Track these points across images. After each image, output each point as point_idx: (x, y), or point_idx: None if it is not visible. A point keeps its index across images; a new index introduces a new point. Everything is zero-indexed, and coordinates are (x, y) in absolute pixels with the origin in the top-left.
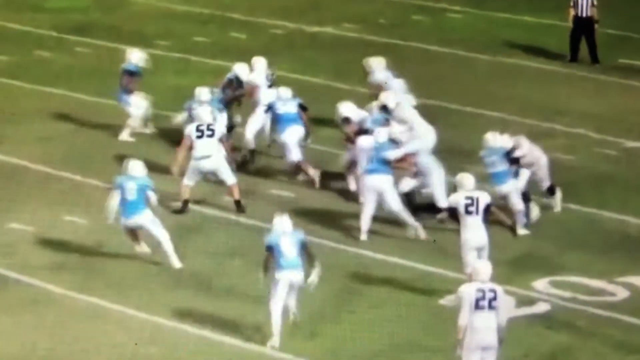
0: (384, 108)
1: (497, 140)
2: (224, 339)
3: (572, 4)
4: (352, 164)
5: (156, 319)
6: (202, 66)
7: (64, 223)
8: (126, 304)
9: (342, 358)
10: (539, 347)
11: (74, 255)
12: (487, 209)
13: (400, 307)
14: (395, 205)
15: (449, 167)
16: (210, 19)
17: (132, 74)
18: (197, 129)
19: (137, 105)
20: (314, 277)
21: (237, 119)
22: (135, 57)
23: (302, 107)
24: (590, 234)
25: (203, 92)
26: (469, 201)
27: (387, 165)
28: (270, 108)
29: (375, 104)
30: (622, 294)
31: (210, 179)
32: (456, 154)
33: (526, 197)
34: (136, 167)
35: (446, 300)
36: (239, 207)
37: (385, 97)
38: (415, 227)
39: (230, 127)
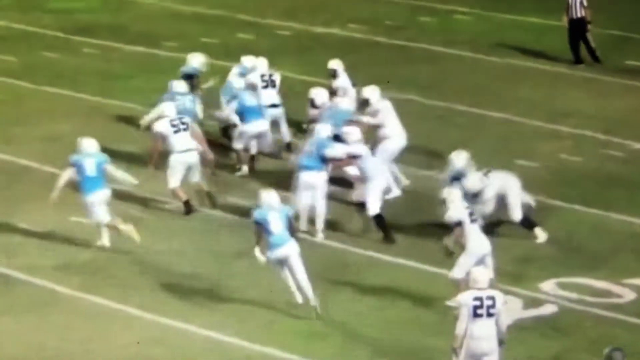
0: (365, 102)
1: (460, 160)
2: (230, 340)
3: (565, 7)
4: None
5: (162, 320)
6: (210, 67)
7: (70, 223)
8: (132, 304)
9: (348, 359)
10: (546, 349)
11: (80, 256)
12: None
13: (406, 309)
14: (321, 204)
15: None
16: (217, 20)
17: (190, 76)
18: (172, 125)
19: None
20: None
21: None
22: (196, 60)
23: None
24: (596, 236)
25: (179, 85)
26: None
27: (324, 162)
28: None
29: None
30: (628, 295)
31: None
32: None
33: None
34: (90, 144)
35: (453, 302)
36: (188, 206)
37: (370, 91)
38: (317, 231)
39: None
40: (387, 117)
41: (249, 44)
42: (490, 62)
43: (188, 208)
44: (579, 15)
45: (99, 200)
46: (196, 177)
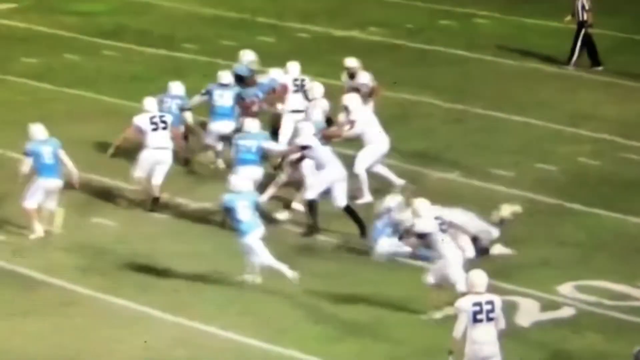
0: (345, 108)
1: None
2: (250, 342)
3: (572, 13)
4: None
5: (182, 321)
6: (230, 69)
7: (92, 225)
8: (152, 305)
9: None
10: (564, 352)
11: (102, 258)
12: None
13: (422, 312)
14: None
15: (474, 170)
16: (238, 22)
17: (241, 78)
18: (151, 122)
19: None
20: None
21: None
22: (247, 59)
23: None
24: (615, 239)
25: (176, 87)
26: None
27: (261, 157)
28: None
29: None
30: None
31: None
32: (481, 157)
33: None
34: (41, 131)
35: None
36: (155, 203)
37: (349, 99)
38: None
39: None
40: (367, 127)
41: (269, 47)
42: (510, 66)
43: (153, 205)
44: (581, 19)
45: (51, 188)
46: (159, 178)
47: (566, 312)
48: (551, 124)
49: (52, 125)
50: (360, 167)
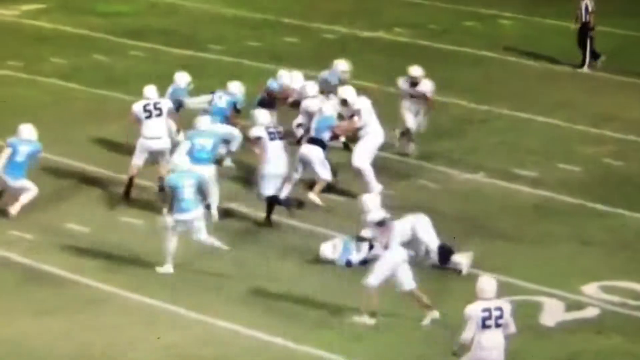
0: (344, 102)
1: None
2: (275, 340)
3: (576, 17)
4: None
5: (208, 320)
6: (255, 70)
7: (120, 224)
8: (179, 304)
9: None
10: (588, 352)
11: (130, 256)
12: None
13: (443, 313)
14: (214, 191)
15: (499, 170)
16: (262, 23)
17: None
18: (145, 109)
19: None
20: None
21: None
22: (340, 68)
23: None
24: (639, 239)
25: (182, 76)
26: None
27: (212, 155)
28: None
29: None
30: None
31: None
32: (505, 158)
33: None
34: (28, 131)
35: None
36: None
37: (347, 92)
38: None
39: None
40: (368, 116)
41: (294, 47)
42: (534, 66)
43: (128, 187)
44: (584, 20)
45: (9, 186)
46: (162, 161)
47: (591, 312)
48: (575, 125)
49: (80, 124)
50: (360, 161)
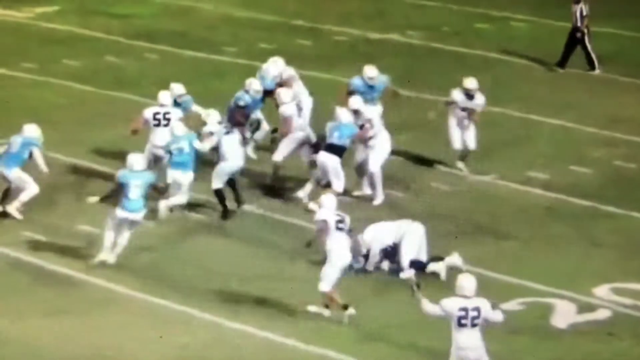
0: (356, 112)
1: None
2: (286, 341)
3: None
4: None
5: (219, 321)
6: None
7: None
8: (190, 305)
9: None
10: (600, 354)
11: (139, 257)
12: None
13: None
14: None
15: (510, 172)
16: (275, 25)
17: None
18: (155, 117)
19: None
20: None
21: None
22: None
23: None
24: None
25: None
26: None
27: (192, 160)
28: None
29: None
30: None
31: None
32: (517, 160)
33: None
34: (30, 129)
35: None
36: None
37: (357, 102)
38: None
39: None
40: (378, 124)
41: (307, 50)
42: (545, 69)
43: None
44: (577, 24)
45: (7, 177)
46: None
47: (602, 314)
48: (585, 127)
49: (94, 126)
50: (377, 167)
